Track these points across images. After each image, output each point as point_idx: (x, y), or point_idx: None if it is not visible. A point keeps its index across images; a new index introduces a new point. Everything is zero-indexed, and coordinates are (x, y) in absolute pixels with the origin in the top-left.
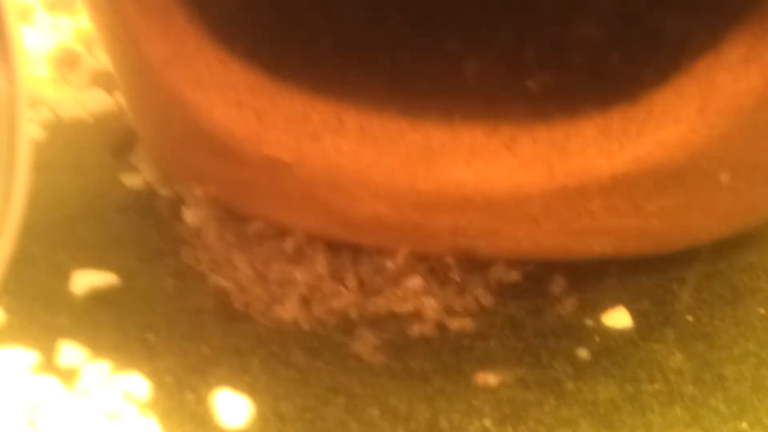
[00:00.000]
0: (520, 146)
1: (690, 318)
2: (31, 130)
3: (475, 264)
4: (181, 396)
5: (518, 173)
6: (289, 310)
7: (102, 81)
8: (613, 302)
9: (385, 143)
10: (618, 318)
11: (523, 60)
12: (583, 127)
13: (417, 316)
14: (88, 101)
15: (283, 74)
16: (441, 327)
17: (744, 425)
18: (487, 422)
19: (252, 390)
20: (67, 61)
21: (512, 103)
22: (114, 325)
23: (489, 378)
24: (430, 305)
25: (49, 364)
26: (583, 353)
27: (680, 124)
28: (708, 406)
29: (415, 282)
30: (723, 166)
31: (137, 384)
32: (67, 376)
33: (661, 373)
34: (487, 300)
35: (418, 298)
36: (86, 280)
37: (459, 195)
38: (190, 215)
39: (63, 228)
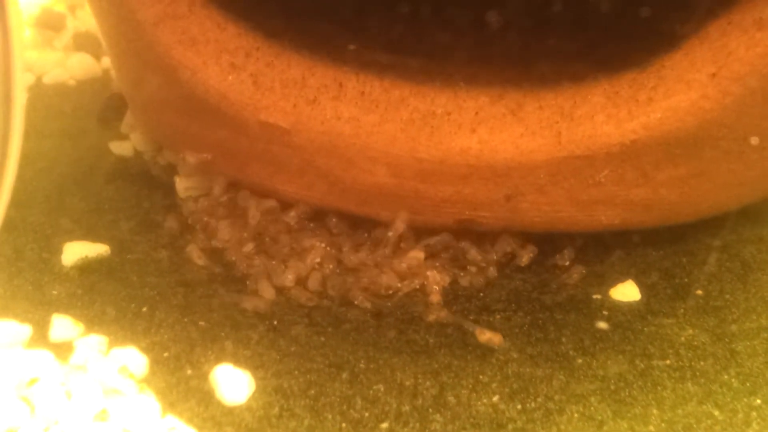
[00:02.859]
0: (526, 113)
1: (700, 292)
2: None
3: (479, 236)
4: (180, 371)
5: (524, 140)
6: (289, 284)
7: (87, 45)
8: (622, 276)
9: (386, 109)
10: (627, 292)
11: (529, 24)
12: (591, 93)
13: (421, 289)
14: (73, 65)
15: (280, 37)
16: (445, 301)
17: (758, 401)
18: (495, 398)
19: (253, 365)
20: (51, 24)
21: (518, 68)
22: (107, 298)
23: (494, 338)
24: (434, 279)
25: (43, 338)
26: (591, 328)
27: (692, 91)
28: (720, 381)
29: (418, 255)
30: (734, 133)
31: (134, 359)
32: (61, 350)
33: (672, 349)
34: (492, 273)
35: (421, 272)
36: (77, 252)
37: (462, 163)
38: (184, 184)
39: (51, 198)
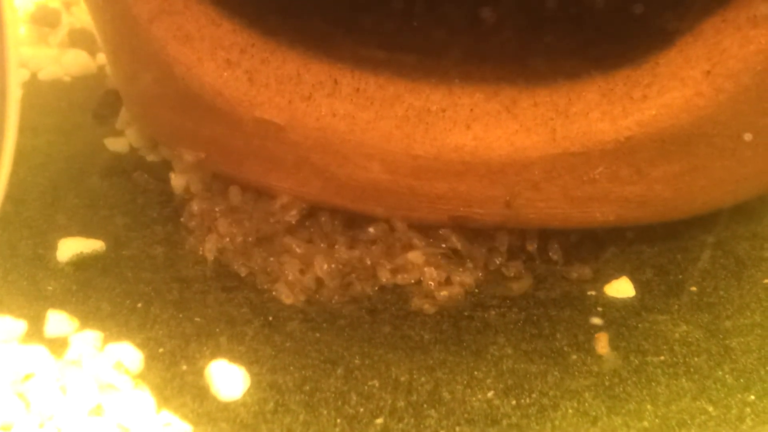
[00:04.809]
0: (521, 109)
1: (694, 288)
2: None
3: (474, 233)
4: (175, 367)
5: (519, 137)
6: (284, 280)
7: (82, 41)
8: (616, 272)
9: (381, 106)
10: (621, 288)
11: (524, 21)
12: (585, 90)
13: (416, 286)
14: (68, 62)
15: (275, 33)
16: (441, 297)
17: (752, 397)
18: (490, 394)
19: (248, 361)
20: (46, 21)
21: (513, 65)
22: (103, 294)
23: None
24: (430, 275)
25: (38, 334)
26: (586, 324)
27: (686, 88)
28: (714, 377)
29: (414, 251)
30: (729, 130)
31: (129, 354)
32: (56, 345)
33: (667, 345)
34: (487, 270)
35: (417, 268)
36: (72, 248)
37: (457, 160)
38: (179, 181)
39: (46, 194)
